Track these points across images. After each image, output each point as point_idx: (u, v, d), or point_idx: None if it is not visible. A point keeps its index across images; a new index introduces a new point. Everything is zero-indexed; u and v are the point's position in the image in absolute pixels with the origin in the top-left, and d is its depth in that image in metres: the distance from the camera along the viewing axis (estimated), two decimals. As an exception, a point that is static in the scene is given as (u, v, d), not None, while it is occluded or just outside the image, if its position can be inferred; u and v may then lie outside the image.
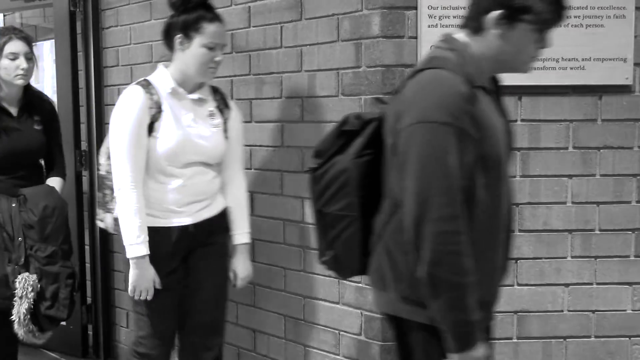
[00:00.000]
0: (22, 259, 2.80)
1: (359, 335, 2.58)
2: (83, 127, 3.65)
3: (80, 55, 3.61)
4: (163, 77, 2.41)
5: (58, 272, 2.85)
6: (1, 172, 2.88)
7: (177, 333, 2.56)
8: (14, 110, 2.94)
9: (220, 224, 2.53)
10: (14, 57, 2.84)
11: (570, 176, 2.49)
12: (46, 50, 4.04)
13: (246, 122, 2.92)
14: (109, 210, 2.53)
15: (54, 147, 3.07)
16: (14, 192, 2.85)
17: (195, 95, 2.45)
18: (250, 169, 2.92)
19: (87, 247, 3.69)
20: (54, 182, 3.03)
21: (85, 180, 3.66)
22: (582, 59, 2.45)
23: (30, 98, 2.99)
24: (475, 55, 1.65)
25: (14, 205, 2.83)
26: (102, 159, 2.56)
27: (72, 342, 3.72)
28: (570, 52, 2.44)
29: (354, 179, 1.76)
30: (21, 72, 2.85)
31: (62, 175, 3.10)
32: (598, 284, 2.51)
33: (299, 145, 2.74)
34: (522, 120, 2.47)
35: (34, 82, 4.24)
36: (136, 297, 2.39)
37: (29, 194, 2.83)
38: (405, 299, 1.68)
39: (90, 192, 3.63)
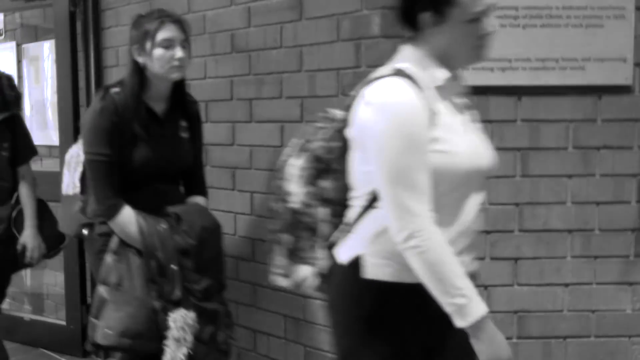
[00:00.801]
0: (178, 293, 2.24)
1: (359, 335, 2.58)
2: (83, 127, 3.64)
3: (80, 55, 3.61)
4: (429, 64, 1.61)
5: (216, 310, 2.35)
6: (141, 188, 2.32)
7: None
8: (160, 112, 2.38)
9: None
10: (169, 44, 2.28)
11: (570, 176, 2.49)
12: (46, 50, 4.04)
13: (246, 122, 2.92)
14: (305, 261, 1.77)
15: (196, 159, 2.52)
16: (158, 212, 2.31)
17: (460, 86, 1.70)
18: (250, 168, 2.92)
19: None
20: (199, 201, 2.50)
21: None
22: (582, 59, 2.45)
23: (180, 97, 2.43)
24: None
25: (164, 226, 2.28)
26: (295, 186, 1.76)
27: (72, 342, 3.73)
28: (570, 52, 2.44)
29: None
30: (177, 62, 2.28)
31: (205, 193, 2.55)
32: (598, 283, 2.52)
33: (299, 145, 2.72)
34: (522, 120, 2.47)
35: (33, 83, 4.24)
36: None
37: (182, 213, 2.31)
38: None
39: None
